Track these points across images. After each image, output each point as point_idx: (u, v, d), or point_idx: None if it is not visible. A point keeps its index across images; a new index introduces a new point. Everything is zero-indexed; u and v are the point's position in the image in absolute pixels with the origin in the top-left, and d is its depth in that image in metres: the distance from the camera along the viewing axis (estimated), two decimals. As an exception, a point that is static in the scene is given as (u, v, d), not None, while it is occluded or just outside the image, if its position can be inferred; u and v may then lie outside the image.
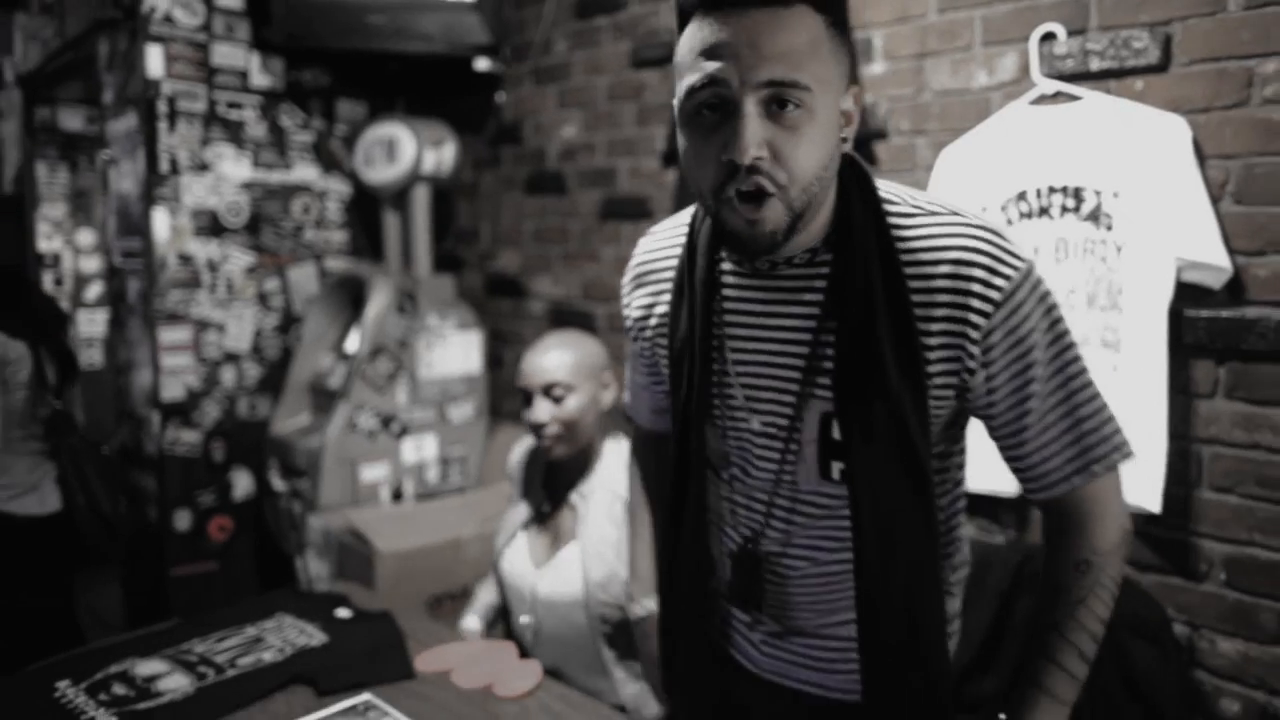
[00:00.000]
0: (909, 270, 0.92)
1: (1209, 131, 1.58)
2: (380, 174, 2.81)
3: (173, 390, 2.75)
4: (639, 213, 2.58)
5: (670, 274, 1.10)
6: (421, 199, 2.83)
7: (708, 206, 0.90)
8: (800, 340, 0.97)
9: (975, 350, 0.90)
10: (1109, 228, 1.65)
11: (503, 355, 3.09)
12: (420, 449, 2.75)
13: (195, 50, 2.73)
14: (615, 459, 1.75)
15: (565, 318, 2.84)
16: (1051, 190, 1.71)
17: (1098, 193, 1.66)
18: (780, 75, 0.83)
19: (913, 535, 0.95)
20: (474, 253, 3.17)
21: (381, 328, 2.66)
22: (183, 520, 2.79)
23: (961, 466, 1.09)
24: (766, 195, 0.85)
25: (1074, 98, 1.70)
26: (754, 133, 0.83)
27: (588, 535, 1.69)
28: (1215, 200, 1.57)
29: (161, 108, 2.68)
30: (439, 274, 2.92)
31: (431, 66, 2.92)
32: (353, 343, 2.78)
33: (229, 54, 2.80)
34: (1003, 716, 0.97)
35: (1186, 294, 1.60)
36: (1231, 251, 1.56)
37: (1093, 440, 0.94)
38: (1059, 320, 0.93)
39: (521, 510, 1.83)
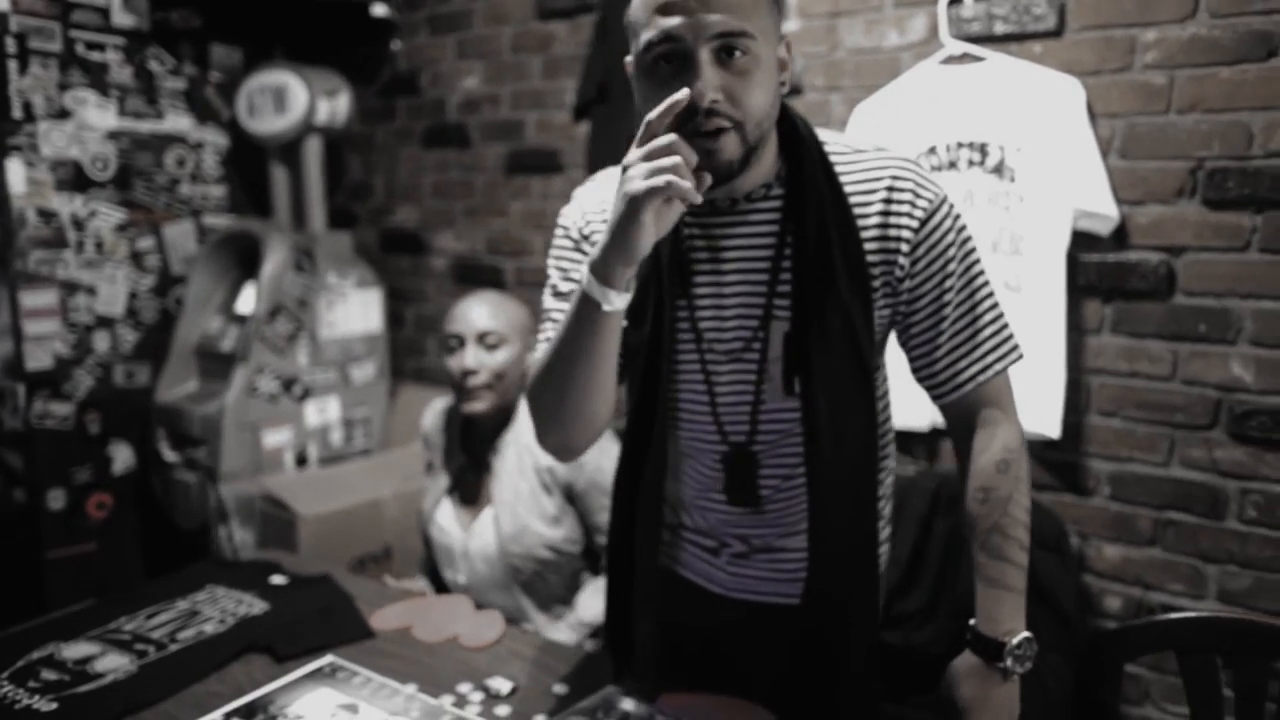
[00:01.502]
0: (851, 199, 1.05)
1: (1098, 92, 1.74)
2: (268, 125, 2.65)
3: (39, 359, 2.53)
4: (549, 166, 2.56)
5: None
6: (314, 151, 2.70)
7: None
8: (760, 268, 1.07)
9: (904, 261, 1.04)
10: (1012, 180, 1.80)
11: (402, 313, 3.01)
12: (323, 411, 2.66)
13: (47, -17, 2.47)
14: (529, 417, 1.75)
15: (471, 272, 2.80)
16: (960, 145, 1.84)
17: (1001, 148, 1.80)
18: (729, 26, 0.93)
19: (859, 437, 1.08)
20: (367, 208, 3.06)
21: (279, 286, 2.54)
22: (57, 499, 2.59)
23: (887, 392, 1.21)
24: (724, 130, 0.95)
25: (979, 59, 1.83)
26: (709, 79, 0.93)
27: (500, 491, 1.70)
28: (1103, 155, 1.74)
29: (9, 45, 2.42)
30: (334, 230, 2.81)
31: (318, 10, 2.76)
32: (244, 303, 2.64)
33: (87, -11, 2.55)
34: (972, 622, 1.07)
35: (1078, 241, 1.78)
36: (1118, 202, 1.74)
37: (995, 341, 1.07)
38: (969, 239, 1.07)
39: (443, 476, 1.82)
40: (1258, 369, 1.67)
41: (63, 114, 2.54)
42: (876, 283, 1.06)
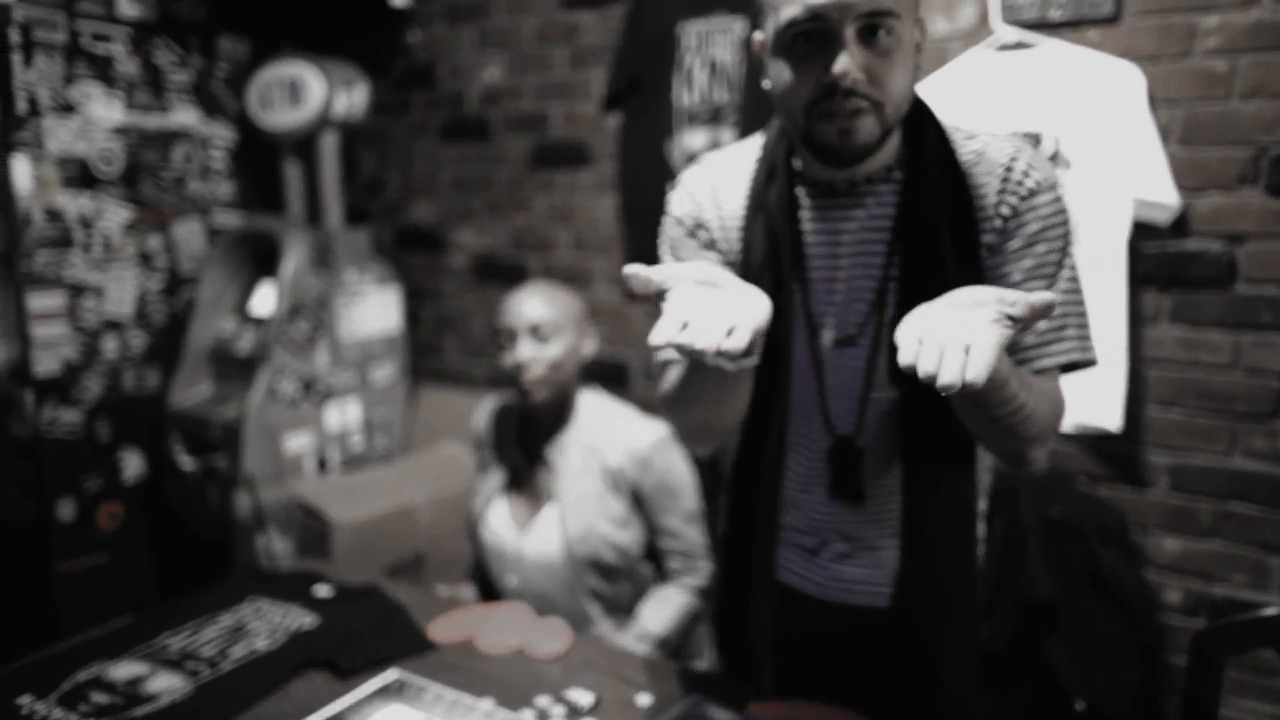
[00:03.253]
0: (970, 184, 1.02)
1: (1158, 79, 1.71)
2: (282, 118, 2.57)
3: (47, 364, 2.43)
4: (576, 159, 2.50)
5: (740, 197, 1.13)
6: (330, 146, 2.62)
7: (797, 124, 0.97)
8: (875, 253, 1.05)
9: (993, 239, 1.01)
10: (1068, 168, 1.77)
11: (419, 312, 2.94)
12: (344, 414, 2.59)
13: (50, -28, 2.38)
14: (591, 412, 1.71)
15: (493, 269, 2.74)
16: (1013, 135, 1.80)
17: (1057, 138, 1.77)
18: (878, 5, 0.91)
19: (958, 430, 1.04)
20: (382, 204, 2.98)
21: (299, 285, 2.46)
22: (66, 510, 2.49)
23: None
24: (862, 111, 0.93)
25: (1032, 45, 1.79)
26: (854, 57, 0.91)
27: (565, 492, 1.65)
28: (1163, 143, 1.72)
29: (14, 36, 2.32)
30: (351, 227, 2.73)
31: (328, 0, 2.68)
32: (260, 303, 2.56)
33: (91, -22, 2.46)
34: None
35: (1136, 230, 1.75)
36: (1178, 190, 1.72)
37: (1072, 336, 1.03)
38: (1068, 234, 1.03)
39: (497, 473, 1.77)
40: (1323, 358, 1.65)
41: (68, 108, 2.44)
42: (988, 255, 1.03)
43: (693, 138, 2.25)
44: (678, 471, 1.65)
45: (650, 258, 2.31)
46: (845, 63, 0.91)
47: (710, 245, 1.15)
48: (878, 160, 1.03)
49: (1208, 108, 1.70)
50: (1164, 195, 1.70)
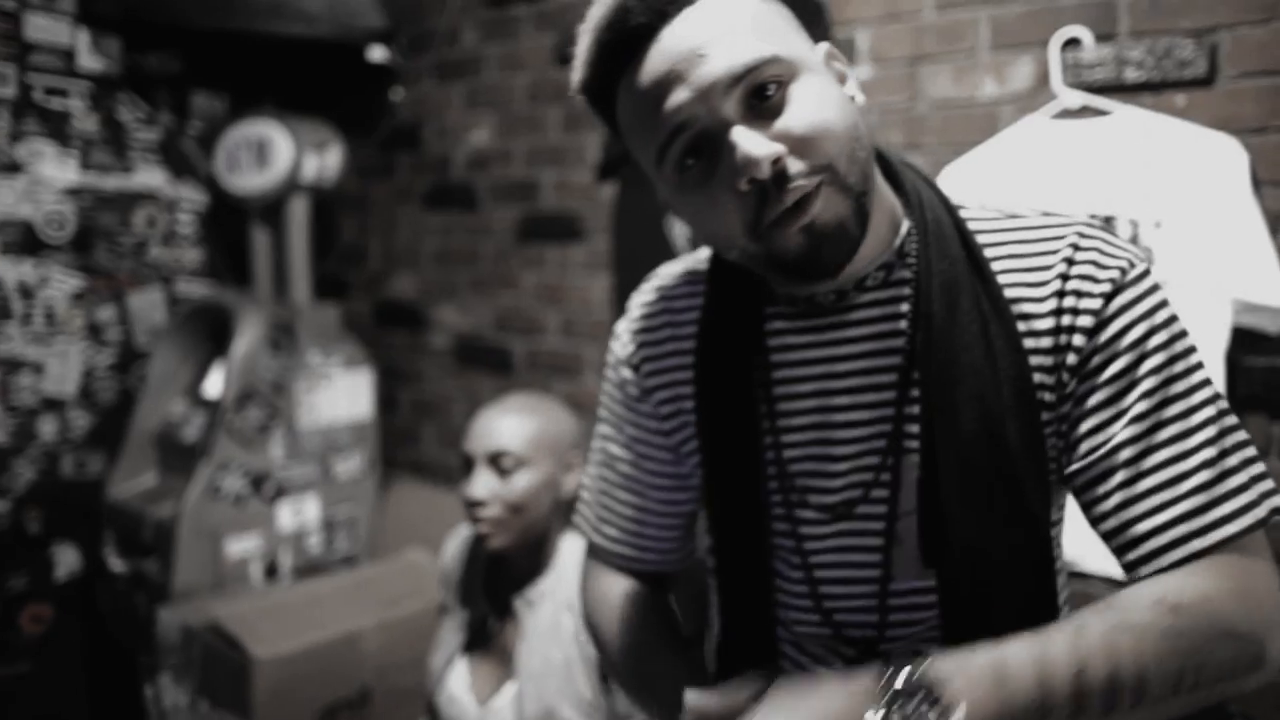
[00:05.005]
0: (1009, 283, 0.77)
1: (1265, 154, 1.39)
2: (248, 181, 2.33)
3: (-29, 448, 2.18)
4: (567, 232, 2.22)
5: (688, 341, 0.88)
6: (299, 212, 2.37)
7: (752, 254, 0.73)
8: (883, 385, 0.79)
9: (1074, 359, 0.74)
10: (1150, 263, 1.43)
11: (397, 396, 2.65)
12: (300, 513, 2.29)
13: (1, 20, 2.18)
14: (573, 561, 1.39)
15: (475, 352, 2.45)
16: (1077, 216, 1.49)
17: (1134, 222, 1.45)
18: (739, 62, 0.69)
19: (1022, 628, 0.68)
20: (361, 276, 2.73)
21: (251, 368, 2.18)
22: (-15, 612, 2.21)
23: (1060, 555, 0.85)
24: (812, 191, 0.69)
25: (1103, 113, 1.48)
26: (754, 137, 0.68)
27: (527, 661, 1.34)
28: (1271, 232, 1.38)
29: (-45, 91, 2.12)
30: (320, 301, 2.46)
31: (310, 55, 2.46)
32: (214, 385, 2.29)
33: (48, 28, 2.25)
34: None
35: (1238, 340, 1.41)
36: (1292, 292, 1.37)
37: (1224, 488, 0.69)
38: (1182, 333, 0.74)
39: (460, 624, 1.44)
40: None
41: (13, 167, 2.22)
42: (1049, 398, 0.75)
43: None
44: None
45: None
46: (748, 147, 0.67)
47: (640, 399, 0.90)
48: (867, 253, 0.77)
49: (1328, 192, 1.36)
50: (1272, 297, 1.36)
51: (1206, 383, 0.73)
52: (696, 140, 0.70)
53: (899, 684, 0.60)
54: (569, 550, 1.41)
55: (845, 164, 0.70)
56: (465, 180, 2.43)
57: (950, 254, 0.76)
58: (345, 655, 1.88)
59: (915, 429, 0.77)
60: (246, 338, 2.18)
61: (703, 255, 0.91)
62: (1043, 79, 1.55)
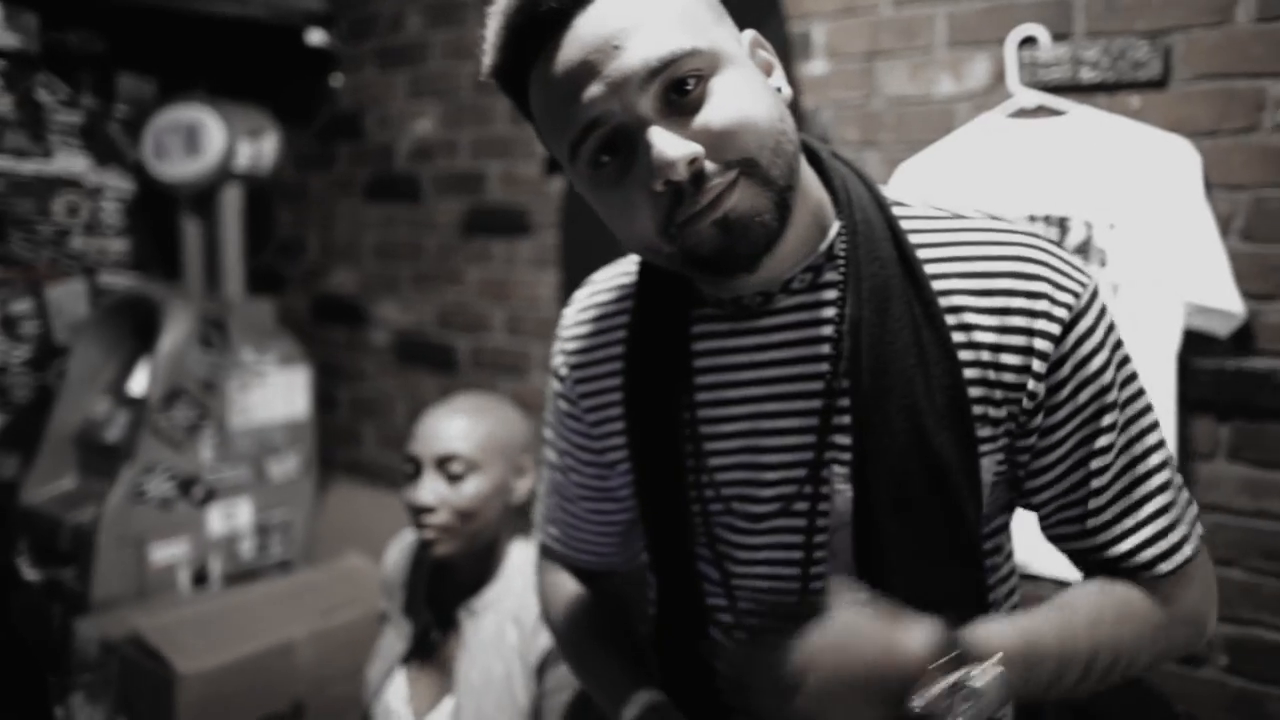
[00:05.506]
0: (945, 289, 0.74)
1: (1215, 158, 1.39)
2: (178, 169, 2.22)
3: None
4: (514, 227, 2.16)
5: (617, 348, 0.86)
6: (232, 202, 2.27)
7: (667, 254, 0.70)
8: (812, 392, 0.76)
9: (1037, 387, 0.73)
10: (1102, 264, 1.43)
11: (336, 394, 2.55)
12: (231, 517, 2.18)
13: (-94, -8, 2.04)
14: (521, 570, 1.33)
15: (417, 350, 2.37)
16: (1032, 219, 1.48)
17: (1088, 224, 1.44)
18: (655, 55, 0.64)
19: None
20: (298, 270, 2.62)
21: (180, 365, 2.07)
22: (-115, 623, 2.07)
23: (1011, 571, 0.88)
24: (727, 187, 0.66)
25: (1059, 113, 1.47)
26: (670, 139, 0.64)
27: (466, 675, 1.29)
28: (1222, 236, 1.38)
29: None
30: (255, 296, 2.36)
31: (245, 37, 2.36)
32: (139, 383, 2.17)
33: (-42, 2, 2.12)
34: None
35: (1189, 342, 1.41)
36: (1241, 295, 1.38)
37: (1174, 515, 0.76)
38: (1127, 354, 0.77)
39: (401, 633, 1.37)
40: None
41: (-83, 150, 2.08)
42: (991, 413, 0.74)
43: (651, 207, 1.91)
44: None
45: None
46: (664, 147, 0.64)
47: (569, 412, 0.89)
48: (790, 254, 0.74)
49: (1279, 195, 1.36)
50: (1224, 301, 1.36)
51: (1148, 402, 0.77)
52: (611, 137, 0.66)
53: (952, 663, 0.63)
54: (517, 558, 1.36)
55: (768, 158, 0.67)
56: (408, 171, 2.34)
57: (881, 255, 0.74)
58: (278, 667, 1.79)
59: (844, 440, 0.75)
60: (174, 333, 2.07)
61: (636, 258, 0.88)
62: (999, 77, 1.53)
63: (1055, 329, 0.72)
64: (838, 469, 0.75)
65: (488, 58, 0.72)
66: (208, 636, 1.76)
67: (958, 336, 0.73)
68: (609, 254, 1.99)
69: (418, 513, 1.30)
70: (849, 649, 0.64)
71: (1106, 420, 0.74)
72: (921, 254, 0.75)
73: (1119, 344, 0.76)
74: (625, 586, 1.03)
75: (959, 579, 0.77)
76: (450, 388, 2.28)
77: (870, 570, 0.75)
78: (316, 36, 2.25)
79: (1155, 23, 1.42)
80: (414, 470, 1.33)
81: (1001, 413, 0.74)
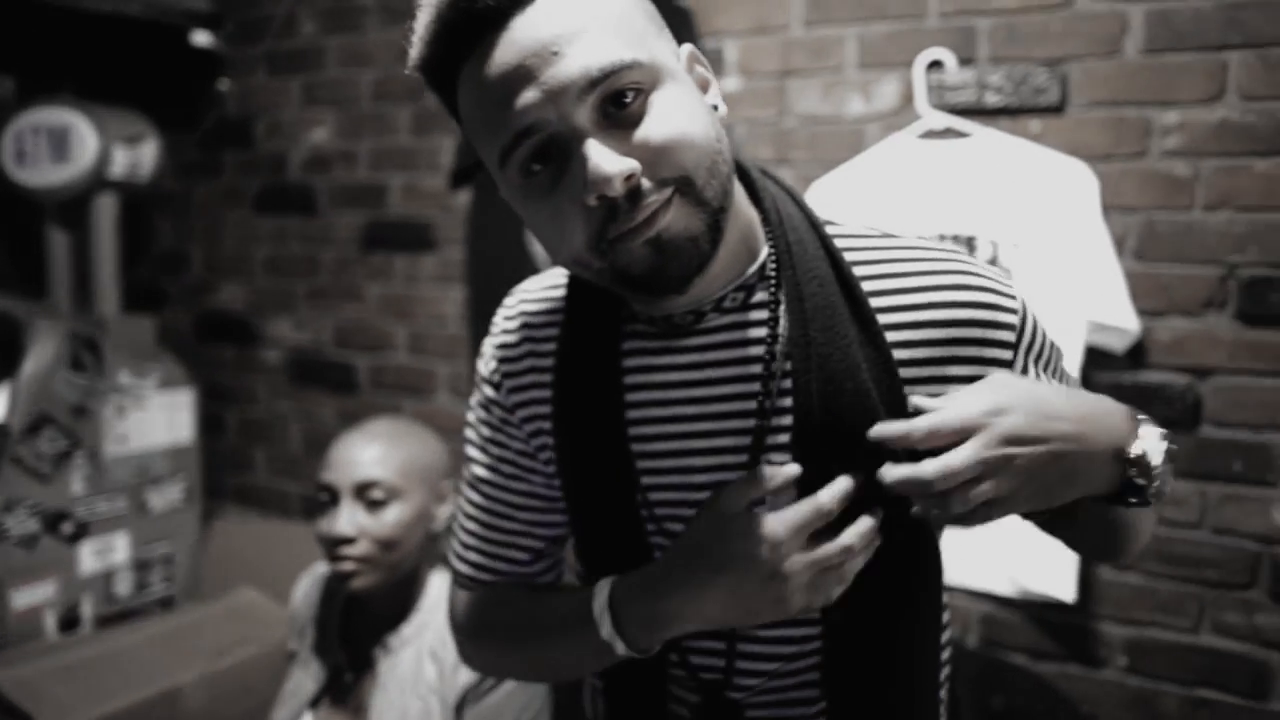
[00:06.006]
0: (882, 308, 0.74)
1: (1109, 181, 1.45)
2: (43, 175, 2.04)
3: None
4: (418, 242, 2.08)
5: (547, 359, 0.82)
6: (107, 212, 2.10)
7: (595, 268, 0.68)
8: (745, 412, 0.75)
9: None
10: (1007, 282, 1.47)
11: (224, 417, 2.40)
12: (105, 553, 2.01)
13: None
14: (442, 601, 1.27)
15: (313, 369, 2.25)
16: (941, 238, 1.51)
17: (994, 243, 1.48)
18: (595, 65, 0.62)
19: (911, 657, 0.77)
20: (181, 285, 2.46)
21: (45, 389, 1.90)
22: None
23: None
24: (661, 206, 0.64)
25: (964, 135, 1.51)
26: (606, 154, 0.62)
27: (382, 714, 1.22)
28: (1116, 256, 1.45)
29: None
30: (132, 314, 2.19)
31: (121, 36, 2.19)
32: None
33: None
34: None
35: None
36: (1135, 312, 1.44)
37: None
38: (1062, 357, 0.81)
39: (312, 673, 1.28)
40: (1306, 518, 1.38)
41: None
42: None
43: (561, 222, 1.87)
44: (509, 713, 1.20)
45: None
46: (600, 162, 0.61)
47: (505, 419, 0.84)
48: (723, 272, 0.73)
49: (1168, 217, 1.44)
50: (1121, 319, 1.42)
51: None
52: (545, 145, 0.64)
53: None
54: (437, 590, 1.29)
55: (704, 177, 0.65)
56: (303, 182, 2.23)
57: (819, 274, 0.73)
58: (163, 717, 1.65)
59: (781, 458, 0.74)
60: (39, 355, 1.90)
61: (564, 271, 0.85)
62: (908, 98, 1.57)
63: (1006, 354, 0.73)
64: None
65: (415, 50, 0.68)
66: (80, 686, 1.60)
67: (898, 354, 0.73)
68: (518, 270, 1.95)
69: (335, 544, 1.22)
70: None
71: None
72: (857, 271, 0.74)
73: (1053, 345, 0.79)
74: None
75: (910, 598, 0.77)
76: (350, 409, 2.18)
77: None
78: (202, 38, 2.12)
79: (1053, 51, 1.48)
80: (329, 499, 1.25)
81: None
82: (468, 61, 0.65)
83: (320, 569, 1.41)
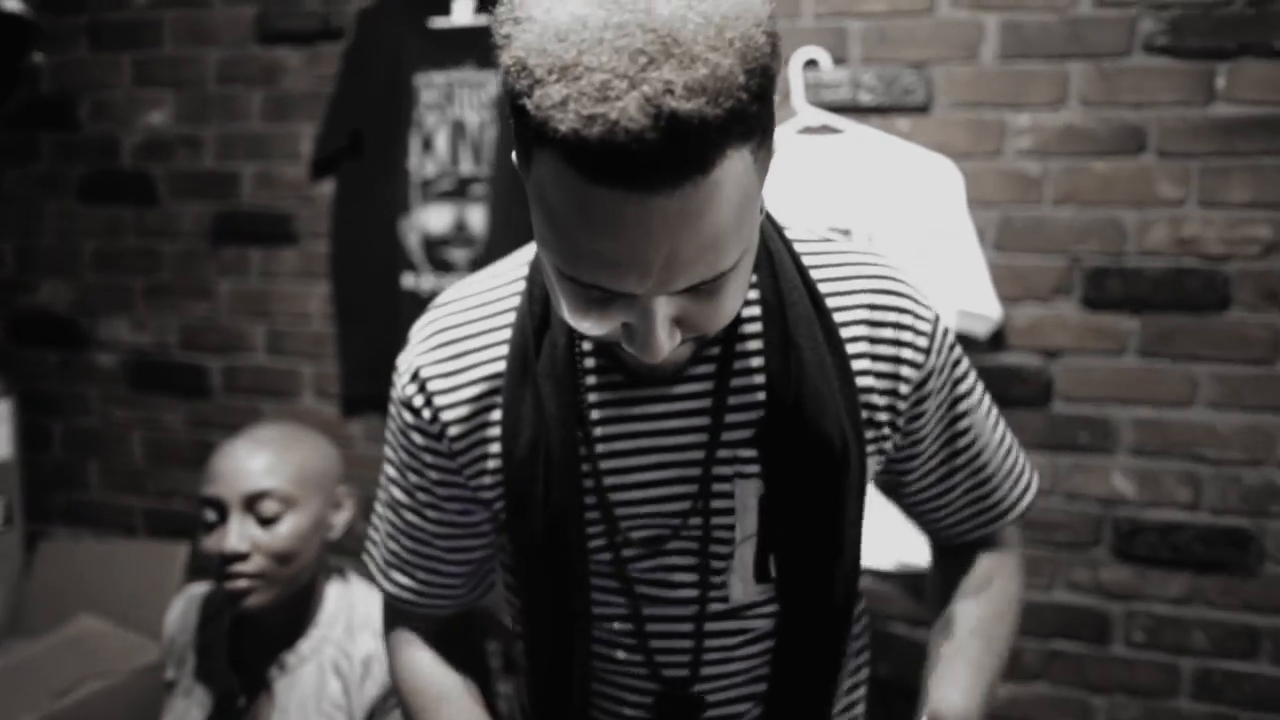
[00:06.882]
0: (833, 304, 0.76)
1: (971, 178, 1.56)
2: None
3: None
4: (276, 234, 1.95)
5: (497, 363, 0.78)
6: (-102, 201, 1.83)
7: (589, 339, 0.70)
8: (703, 410, 0.75)
9: (904, 405, 0.78)
10: (882, 272, 1.56)
11: (48, 429, 2.16)
12: (-89, 590, 1.77)
13: None
14: (340, 612, 1.20)
15: (157, 373, 2.07)
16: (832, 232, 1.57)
17: (870, 236, 1.56)
18: (704, 274, 0.58)
19: (838, 640, 0.81)
20: (-9, 281, 2.19)
21: None
22: None
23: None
24: (680, 348, 0.67)
25: (839, 131, 1.58)
26: (666, 336, 0.61)
27: None
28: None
29: None
30: (-70, 316, 1.93)
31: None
32: None
33: None
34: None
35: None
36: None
37: (1015, 480, 0.87)
38: (965, 357, 0.85)
39: (197, 701, 1.18)
40: (1140, 481, 1.55)
41: None
42: (869, 434, 0.78)
43: (432, 215, 1.82)
44: None
45: (373, 363, 1.82)
46: (660, 343, 0.60)
47: (424, 446, 0.79)
48: None
49: (1021, 212, 1.57)
50: (985, 306, 1.53)
51: (987, 397, 0.86)
52: (619, 298, 0.60)
53: None
54: (335, 601, 1.21)
55: (713, 333, 0.65)
56: (139, 169, 2.03)
57: (795, 284, 0.75)
58: (-2, 769, 1.47)
59: (748, 453, 0.75)
60: None
61: (507, 277, 0.80)
62: (786, 94, 1.62)
63: (919, 355, 0.76)
64: (741, 481, 0.75)
65: (514, 80, 0.54)
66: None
67: (849, 348, 0.76)
68: (389, 264, 1.87)
69: (226, 562, 1.12)
70: None
71: (964, 424, 0.82)
72: (813, 274, 0.76)
73: (960, 352, 0.83)
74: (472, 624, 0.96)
75: (844, 586, 0.80)
76: (203, 415, 2.02)
77: (785, 574, 0.77)
78: (11, 4, 1.88)
79: (919, 54, 1.57)
80: (217, 516, 1.15)
81: (888, 423, 0.78)
82: (574, 165, 0.53)
83: (196, 590, 1.30)
